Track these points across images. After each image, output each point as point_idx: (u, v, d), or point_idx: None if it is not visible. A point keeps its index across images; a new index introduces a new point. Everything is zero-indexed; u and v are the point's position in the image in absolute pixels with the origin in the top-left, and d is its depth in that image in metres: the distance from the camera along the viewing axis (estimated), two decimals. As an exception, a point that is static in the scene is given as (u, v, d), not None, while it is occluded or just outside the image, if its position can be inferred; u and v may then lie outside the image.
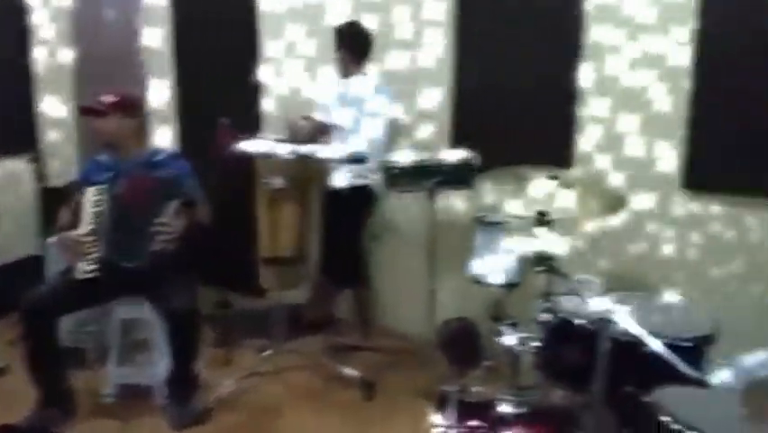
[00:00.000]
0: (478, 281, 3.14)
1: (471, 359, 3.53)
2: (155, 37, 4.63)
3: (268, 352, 3.52)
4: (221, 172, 3.44)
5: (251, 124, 4.17)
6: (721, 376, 2.03)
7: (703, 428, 1.63)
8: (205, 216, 3.22)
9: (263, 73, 4.33)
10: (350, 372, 3.48)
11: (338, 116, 3.58)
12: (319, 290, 3.96)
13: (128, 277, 3.03)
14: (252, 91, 4.34)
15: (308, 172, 3.32)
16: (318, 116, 3.64)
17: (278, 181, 3.17)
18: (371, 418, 3.21)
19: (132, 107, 3.21)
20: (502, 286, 3.06)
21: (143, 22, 4.63)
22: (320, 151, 3.23)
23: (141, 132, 3.29)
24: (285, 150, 3.09)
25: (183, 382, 3.13)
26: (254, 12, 4.26)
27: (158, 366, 3.24)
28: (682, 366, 1.71)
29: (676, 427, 1.66)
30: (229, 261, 3.84)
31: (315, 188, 3.43)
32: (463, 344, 3.68)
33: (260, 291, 3.70)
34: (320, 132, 3.62)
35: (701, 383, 1.92)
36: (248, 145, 3.27)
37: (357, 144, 3.47)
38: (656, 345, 1.74)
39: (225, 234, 3.40)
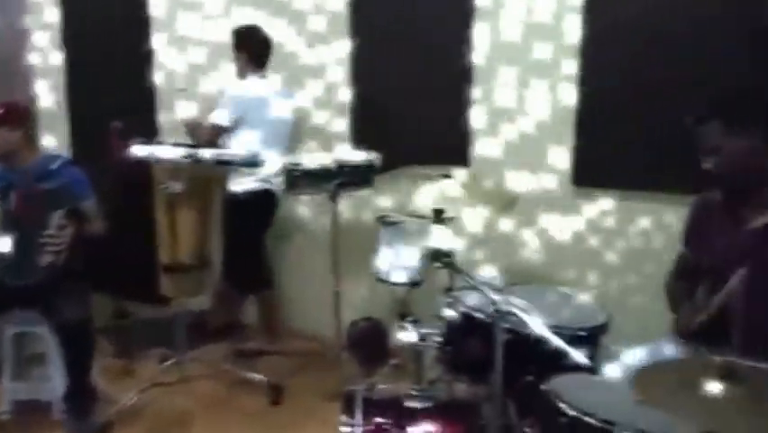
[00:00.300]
0: (382, 281, 3.17)
1: (379, 358, 3.56)
2: (43, 40, 4.44)
3: (170, 361, 3.43)
4: (116, 178, 3.34)
5: (147, 128, 4.07)
6: (611, 369, 2.13)
7: (597, 412, 1.70)
8: (99, 227, 3.15)
9: (158, 76, 4.22)
10: (256, 377, 3.44)
11: (235, 119, 3.51)
12: (222, 296, 3.88)
13: (19, 292, 2.94)
14: (147, 94, 4.23)
15: (207, 176, 3.26)
16: (215, 119, 3.54)
17: (175, 186, 3.09)
18: (280, 423, 3.19)
19: (18, 118, 3.09)
20: (406, 284, 3.10)
21: (30, 25, 4.44)
22: (217, 154, 3.16)
23: (31, 141, 3.17)
24: (180, 154, 3.01)
25: (80, 396, 3.03)
26: (146, 10, 4.17)
27: (55, 381, 3.13)
28: (575, 355, 1.78)
29: (572, 412, 1.73)
30: (128, 269, 3.71)
31: (214, 193, 3.37)
32: (370, 343, 3.70)
33: (161, 299, 3.59)
34: (217, 135, 3.54)
35: (594, 371, 2.01)
36: (142, 150, 3.17)
37: (256, 148, 3.41)
38: (550, 335, 1.80)
39: (123, 241, 3.29)
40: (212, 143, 3.41)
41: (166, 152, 3.07)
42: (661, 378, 1.61)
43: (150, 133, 3.97)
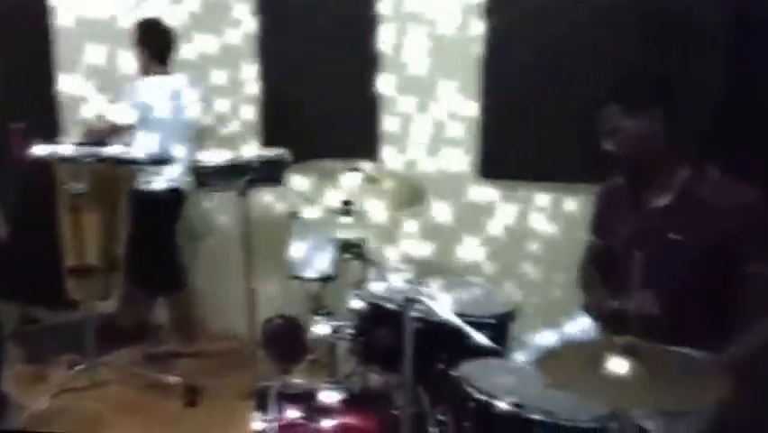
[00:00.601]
0: (296, 276, 3.16)
1: (295, 354, 3.55)
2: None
3: (81, 366, 3.32)
4: (18, 179, 3.19)
5: (50, 130, 3.91)
6: (520, 353, 2.19)
7: (505, 395, 1.75)
8: (0, 231, 3.04)
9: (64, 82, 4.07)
10: (171, 379, 3.37)
11: (137, 116, 3.38)
12: (130, 299, 3.78)
13: None
14: (48, 95, 4.07)
15: (111, 176, 3.15)
16: (117, 118, 3.40)
17: (78, 186, 2.98)
18: (197, 425, 3.14)
19: None
20: (319, 279, 3.10)
21: None
22: (121, 153, 3.07)
23: None
24: (83, 153, 2.91)
25: (-10, 404, 2.90)
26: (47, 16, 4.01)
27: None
28: (481, 339, 1.82)
29: (481, 397, 1.77)
30: (33, 273, 3.56)
31: (120, 192, 3.26)
32: (285, 340, 3.68)
33: (70, 304, 3.47)
34: (119, 133, 3.40)
35: (502, 356, 2.06)
36: (43, 149, 3.05)
37: (162, 146, 3.33)
38: (457, 321, 1.84)
39: (27, 244, 3.18)
40: (113, 142, 3.28)
41: (68, 150, 2.96)
42: (566, 360, 1.65)
43: (52, 135, 3.81)
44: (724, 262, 2.04)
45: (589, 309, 2.28)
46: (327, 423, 2.19)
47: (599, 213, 2.41)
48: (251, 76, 3.73)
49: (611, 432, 1.68)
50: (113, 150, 3.08)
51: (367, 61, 3.38)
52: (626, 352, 1.51)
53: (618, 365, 1.49)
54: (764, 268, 2.00)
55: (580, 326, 2.37)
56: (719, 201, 2.03)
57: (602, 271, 2.38)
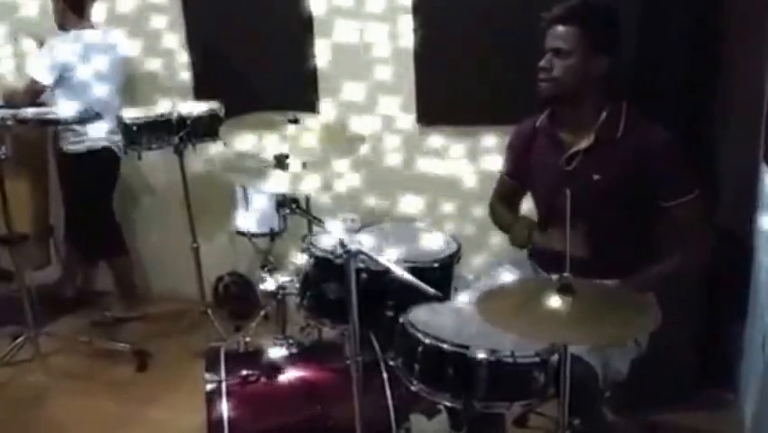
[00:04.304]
0: (241, 233, 3.11)
1: (245, 312, 3.53)
2: None
3: (21, 338, 3.22)
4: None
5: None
6: (462, 296, 2.20)
7: (451, 337, 1.78)
8: None
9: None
10: (119, 346, 3.31)
11: (57, 73, 3.18)
12: (70, 265, 3.67)
13: None
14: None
15: (35, 138, 3.00)
16: (35, 75, 3.19)
17: (0, 151, 2.82)
18: (148, 389, 3.09)
19: None
20: (265, 234, 3.05)
21: None
22: (43, 113, 2.91)
23: None
24: (2, 115, 2.74)
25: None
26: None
27: None
28: (424, 287, 1.82)
29: (428, 340, 1.78)
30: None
31: (46, 155, 3.12)
32: (235, 298, 3.65)
33: (4, 274, 3.35)
34: (37, 93, 3.21)
35: (445, 300, 2.06)
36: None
37: (87, 104, 3.14)
38: (399, 270, 1.83)
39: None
40: (32, 103, 3.11)
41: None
42: (504, 299, 1.69)
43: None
44: (642, 198, 2.12)
45: (512, 239, 2.31)
46: (280, 378, 2.17)
47: (514, 151, 2.42)
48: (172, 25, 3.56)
49: (551, 366, 1.74)
50: (33, 110, 2.91)
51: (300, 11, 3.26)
52: (561, 288, 1.55)
53: (554, 301, 1.54)
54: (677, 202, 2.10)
55: (514, 262, 2.41)
56: (635, 140, 2.10)
57: (510, 206, 2.50)
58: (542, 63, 2.13)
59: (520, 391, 1.77)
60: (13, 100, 3.16)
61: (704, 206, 2.14)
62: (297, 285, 2.33)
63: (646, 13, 2.60)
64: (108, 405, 2.99)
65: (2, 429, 2.87)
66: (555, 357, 1.73)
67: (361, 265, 1.91)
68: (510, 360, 1.72)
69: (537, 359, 1.74)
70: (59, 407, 2.99)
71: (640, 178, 2.09)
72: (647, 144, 2.09)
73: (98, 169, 3.40)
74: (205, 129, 3.06)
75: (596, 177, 2.13)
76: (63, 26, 3.29)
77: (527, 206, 2.51)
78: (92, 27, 3.34)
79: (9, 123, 2.76)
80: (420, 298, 1.92)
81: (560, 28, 2.10)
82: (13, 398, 3.05)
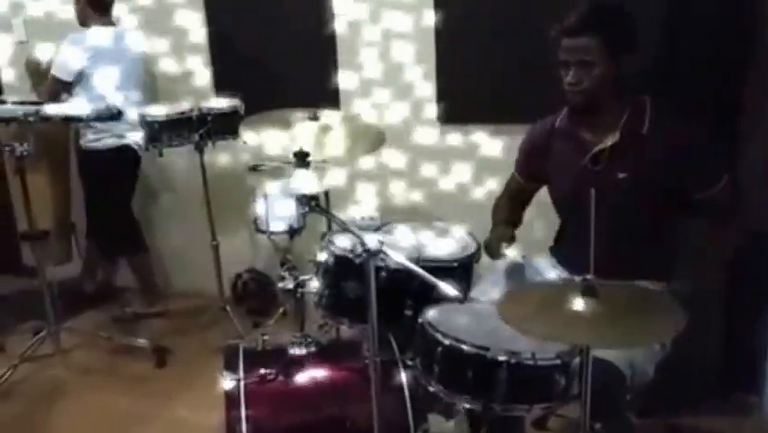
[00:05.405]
0: (261, 231, 3.10)
1: (264, 309, 3.53)
2: None
3: (43, 333, 3.24)
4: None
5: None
6: (485, 292, 2.18)
7: (471, 338, 1.74)
8: None
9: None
10: (139, 341, 3.33)
11: (78, 72, 3.22)
12: (91, 262, 3.69)
13: None
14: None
15: (57, 135, 3.02)
16: (55, 71, 3.22)
17: (22, 148, 2.82)
18: (167, 385, 3.10)
19: None
20: (284, 232, 3.04)
21: None
22: (65, 110, 2.91)
23: None
24: (23, 112, 2.75)
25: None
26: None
27: None
28: (444, 287, 1.79)
29: (447, 341, 1.76)
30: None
31: (67, 152, 3.14)
32: (254, 295, 3.66)
33: (25, 270, 3.38)
34: (58, 92, 3.23)
35: (466, 300, 2.04)
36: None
37: (108, 101, 3.16)
38: (418, 270, 1.80)
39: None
40: (55, 99, 3.13)
41: (7, 111, 2.80)
42: (526, 301, 1.66)
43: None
44: (667, 196, 2.09)
45: (487, 251, 2.26)
46: (298, 377, 2.16)
47: (530, 151, 2.38)
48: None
49: (573, 369, 1.70)
50: (55, 107, 2.92)
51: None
52: (584, 290, 1.52)
53: (578, 303, 1.51)
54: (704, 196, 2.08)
55: (541, 264, 2.37)
56: (661, 134, 2.06)
57: (514, 206, 2.47)
58: (569, 79, 2.08)
59: (541, 393, 1.73)
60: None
61: (732, 195, 2.11)
62: (316, 283, 2.32)
63: (672, 3, 2.55)
64: (127, 401, 3.00)
65: (22, 423, 2.89)
66: (577, 360, 1.69)
67: (381, 264, 1.90)
68: (531, 362, 1.69)
69: (558, 361, 1.70)
70: (78, 401, 3.01)
71: (667, 171, 2.05)
72: (674, 137, 2.05)
73: (118, 167, 3.42)
74: (226, 126, 3.06)
75: (621, 175, 2.09)
76: (84, 23, 3.31)
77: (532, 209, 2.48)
78: (113, 24, 3.36)
79: (32, 119, 2.77)
80: (438, 297, 1.90)
81: (577, 40, 2.04)
82: (33, 392, 3.07)
